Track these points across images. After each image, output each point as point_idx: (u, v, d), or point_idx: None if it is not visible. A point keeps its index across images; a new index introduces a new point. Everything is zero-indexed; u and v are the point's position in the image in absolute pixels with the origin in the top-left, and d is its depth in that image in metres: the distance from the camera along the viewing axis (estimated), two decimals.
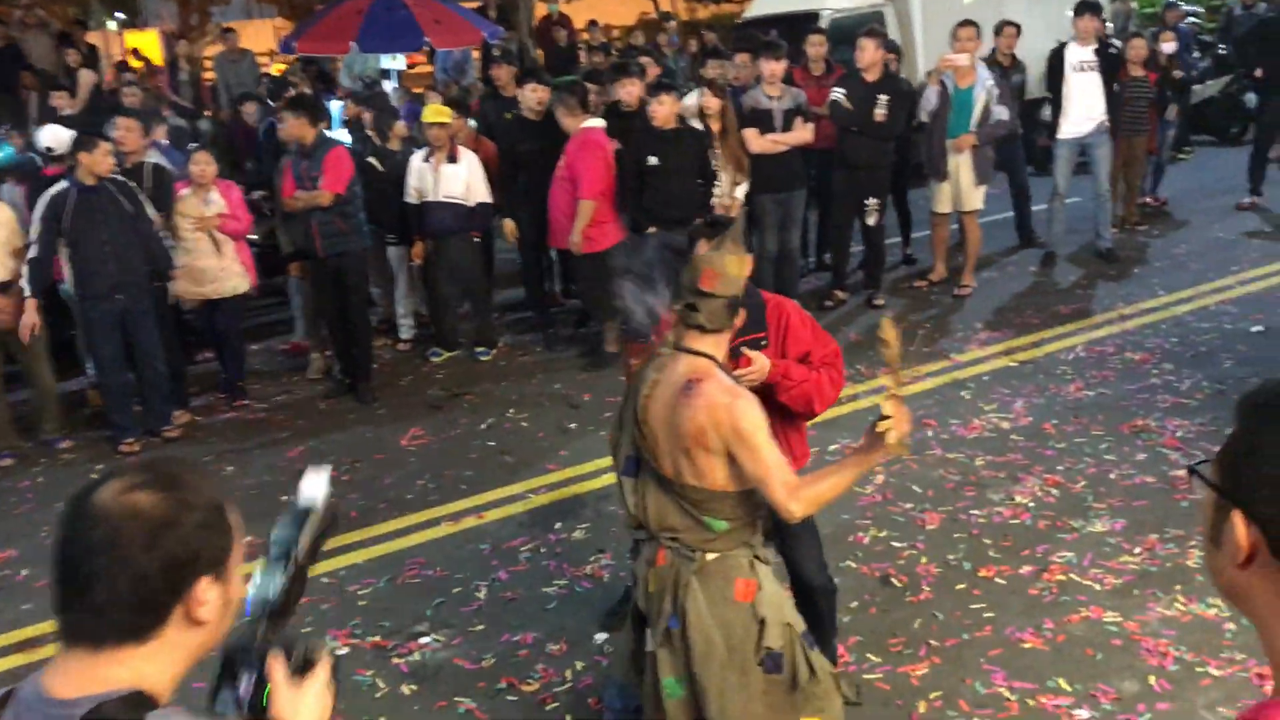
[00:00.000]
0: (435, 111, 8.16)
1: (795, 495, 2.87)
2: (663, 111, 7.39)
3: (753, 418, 2.85)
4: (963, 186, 8.70)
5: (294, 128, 7.40)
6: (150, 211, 6.97)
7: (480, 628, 4.76)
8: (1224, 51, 13.81)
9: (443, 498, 6.05)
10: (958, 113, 8.54)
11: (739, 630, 3.01)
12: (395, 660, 4.57)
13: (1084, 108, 9.16)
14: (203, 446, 7.01)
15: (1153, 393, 6.67)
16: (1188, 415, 6.31)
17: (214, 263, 7.45)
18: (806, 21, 11.43)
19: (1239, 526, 1.27)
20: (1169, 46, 10.45)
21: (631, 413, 3.09)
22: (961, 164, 8.63)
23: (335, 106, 10.49)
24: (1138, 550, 4.96)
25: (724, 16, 27.33)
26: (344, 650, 4.66)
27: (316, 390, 7.94)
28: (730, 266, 2.97)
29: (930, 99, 8.59)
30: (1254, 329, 7.57)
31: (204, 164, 7.47)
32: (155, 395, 7.09)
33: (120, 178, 6.86)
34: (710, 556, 3.03)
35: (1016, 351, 7.58)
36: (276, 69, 17.05)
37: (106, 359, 6.88)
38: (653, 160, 7.38)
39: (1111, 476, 5.65)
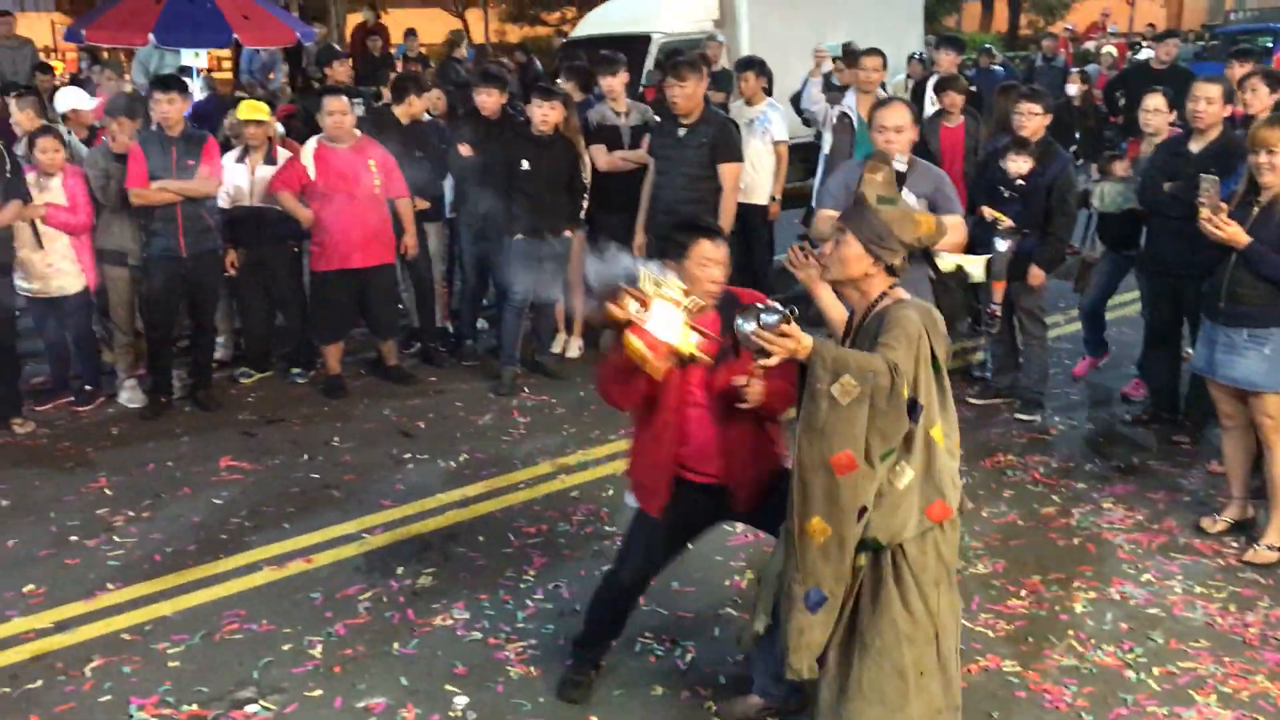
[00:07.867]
0: (251, 108, 7.40)
1: None
2: (491, 103, 7.46)
3: None
4: None
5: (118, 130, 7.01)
6: None
7: (318, 693, 4.09)
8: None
9: (263, 538, 5.32)
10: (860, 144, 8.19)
11: None
12: None
13: None
14: None
15: (1007, 426, 6.59)
16: (1045, 451, 6.26)
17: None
18: (636, 43, 11.10)
19: None
20: None
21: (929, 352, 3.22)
22: None
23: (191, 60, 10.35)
24: (1023, 594, 4.77)
25: (538, 39, 26.97)
26: None
27: (108, 414, 7.01)
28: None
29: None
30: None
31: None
32: None
33: None
34: None
35: None
36: (57, 66, 15.63)
37: None
38: (525, 165, 7.02)
39: (984, 515, 5.47)
